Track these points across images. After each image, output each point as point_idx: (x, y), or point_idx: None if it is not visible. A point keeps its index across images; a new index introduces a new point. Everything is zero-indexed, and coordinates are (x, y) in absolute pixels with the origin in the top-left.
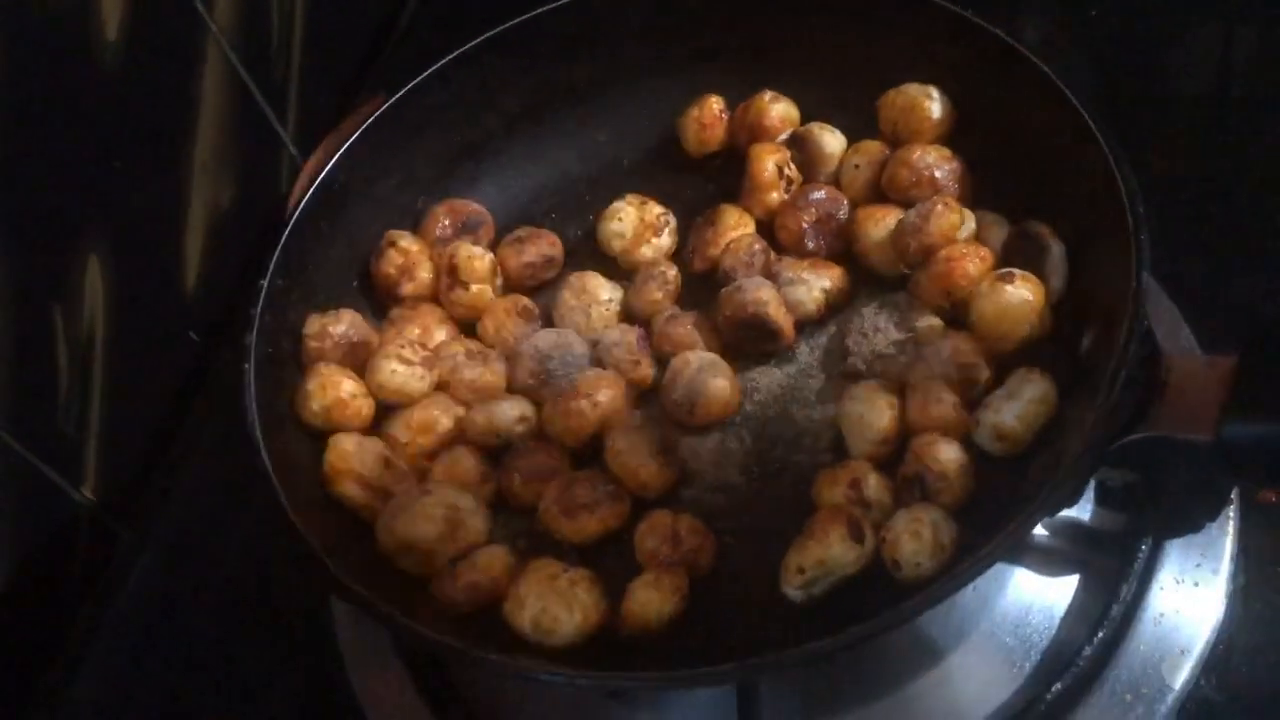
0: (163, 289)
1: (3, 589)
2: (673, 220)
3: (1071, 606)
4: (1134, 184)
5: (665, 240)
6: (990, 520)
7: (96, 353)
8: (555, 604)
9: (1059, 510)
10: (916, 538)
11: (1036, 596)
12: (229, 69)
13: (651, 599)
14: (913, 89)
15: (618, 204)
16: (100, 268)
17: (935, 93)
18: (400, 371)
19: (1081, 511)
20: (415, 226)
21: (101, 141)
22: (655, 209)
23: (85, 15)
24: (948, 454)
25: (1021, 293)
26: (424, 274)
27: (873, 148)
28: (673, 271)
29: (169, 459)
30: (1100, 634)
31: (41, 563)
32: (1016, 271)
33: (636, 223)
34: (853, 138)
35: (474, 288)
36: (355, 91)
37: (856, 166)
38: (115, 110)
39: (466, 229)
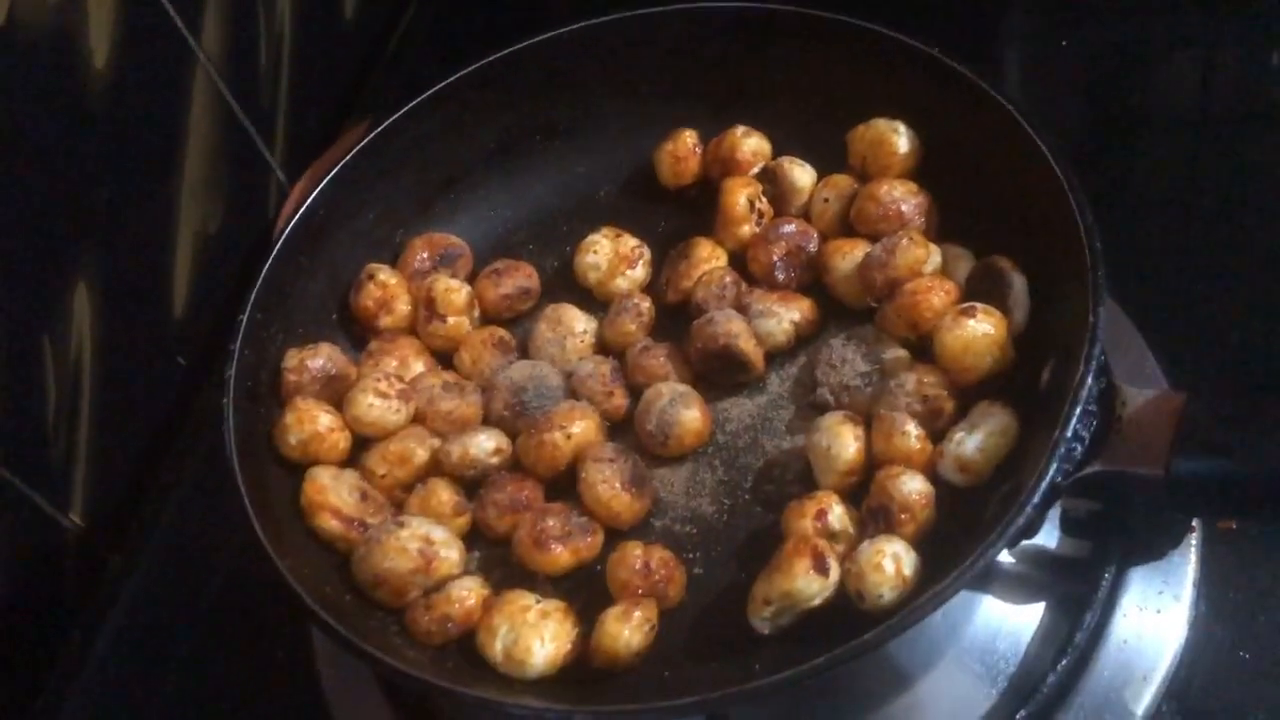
0: (151, 314)
1: None
2: (647, 253)
3: (1037, 632)
4: (1091, 220)
5: (639, 272)
6: (953, 551)
7: (84, 379)
8: (527, 635)
9: (1017, 543)
10: (879, 570)
11: (1003, 622)
12: (217, 96)
13: (621, 631)
14: (881, 124)
15: (593, 236)
16: (89, 294)
17: (903, 128)
18: (377, 405)
19: (1047, 538)
20: (394, 259)
21: (90, 168)
22: (630, 242)
23: (73, 44)
24: (911, 486)
25: (984, 326)
26: (402, 306)
27: (842, 182)
28: (646, 304)
29: (156, 484)
30: (1065, 660)
31: (30, 589)
32: (979, 306)
33: (611, 255)
34: (823, 172)
35: (451, 320)
36: (343, 118)
37: (826, 200)
38: (103, 137)
39: (444, 261)
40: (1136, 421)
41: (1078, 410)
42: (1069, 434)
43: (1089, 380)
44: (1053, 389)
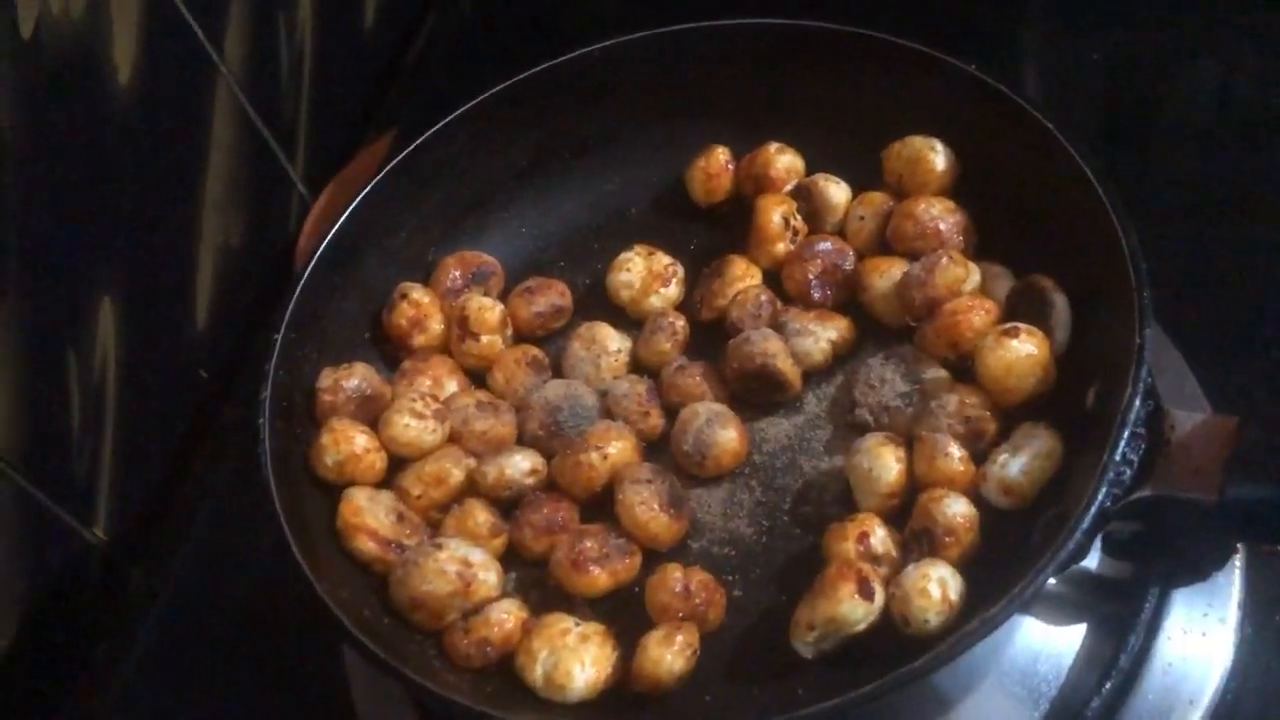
0: (174, 329)
1: (17, 630)
2: (680, 270)
3: (1079, 655)
4: (1135, 241)
5: (673, 290)
6: (998, 575)
7: (108, 393)
8: (567, 659)
9: (1066, 568)
10: (925, 595)
11: (1044, 645)
12: (239, 109)
13: (663, 656)
14: (917, 141)
15: (626, 254)
16: (112, 309)
17: (939, 145)
18: (413, 425)
19: (1089, 560)
20: (426, 278)
21: (114, 183)
22: (663, 259)
23: (98, 59)
24: (955, 508)
25: (1027, 347)
26: (435, 325)
27: (877, 199)
28: (681, 322)
29: (180, 499)
30: (1109, 684)
31: (55, 604)
32: (1021, 325)
33: (644, 273)
34: (857, 189)
35: (484, 338)
36: (363, 131)
37: (861, 218)
38: (128, 152)
39: (477, 279)
40: (1186, 445)
41: (1125, 434)
42: (1117, 457)
43: (1136, 403)
44: (1098, 411)
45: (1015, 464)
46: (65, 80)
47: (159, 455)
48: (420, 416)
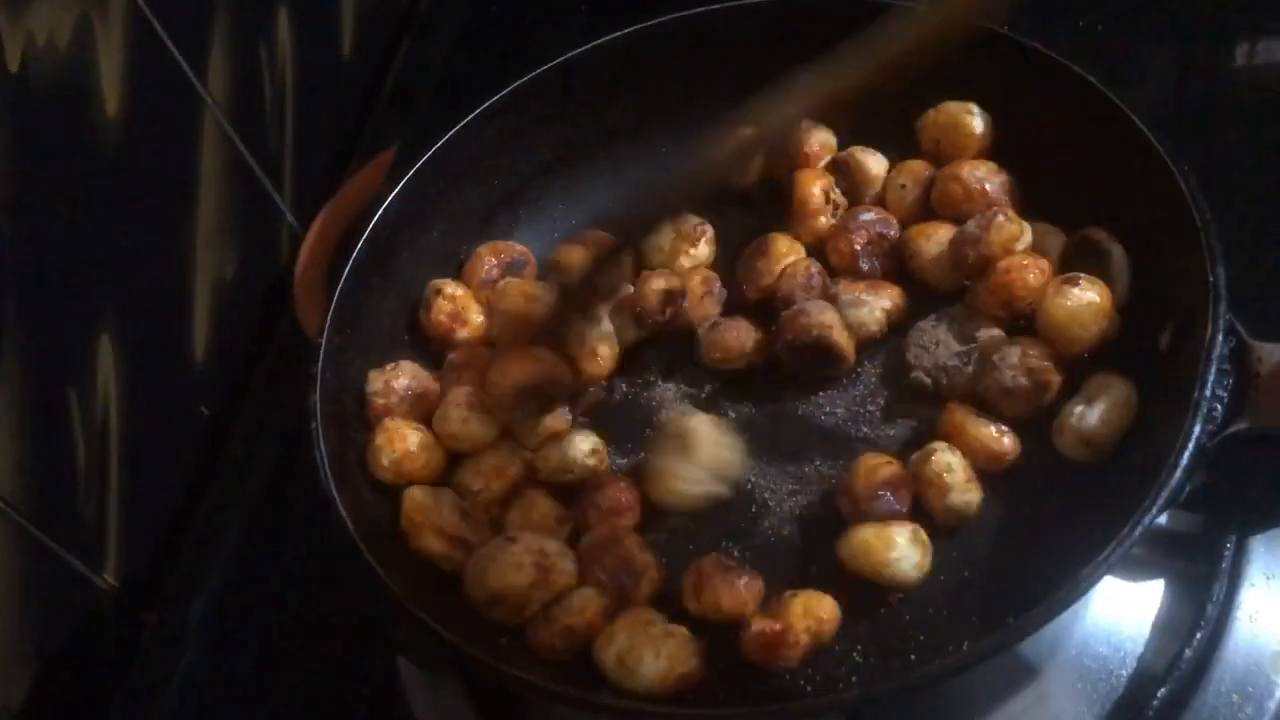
0: (174, 365)
1: (30, 684)
2: (709, 230)
3: (1161, 612)
4: (1195, 182)
5: (703, 250)
6: (1089, 529)
7: (112, 433)
8: (643, 645)
9: (1168, 508)
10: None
11: (1124, 605)
12: (226, 140)
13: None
14: (952, 106)
15: None
16: (111, 346)
17: (975, 108)
18: (471, 418)
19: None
20: (459, 273)
21: (107, 217)
22: (691, 220)
23: (86, 91)
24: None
25: (1089, 295)
26: (475, 317)
27: (917, 167)
28: (717, 282)
29: (189, 539)
30: (1198, 636)
31: (68, 654)
32: (1082, 275)
33: (673, 234)
34: (891, 161)
35: None
36: (348, 158)
37: (903, 186)
38: (119, 186)
39: (511, 269)
40: (1276, 377)
41: (1213, 369)
42: (1208, 393)
43: (1220, 339)
44: (1176, 354)
45: (1093, 414)
46: (54, 113)
47: (166, 495)
48: (474, 408)
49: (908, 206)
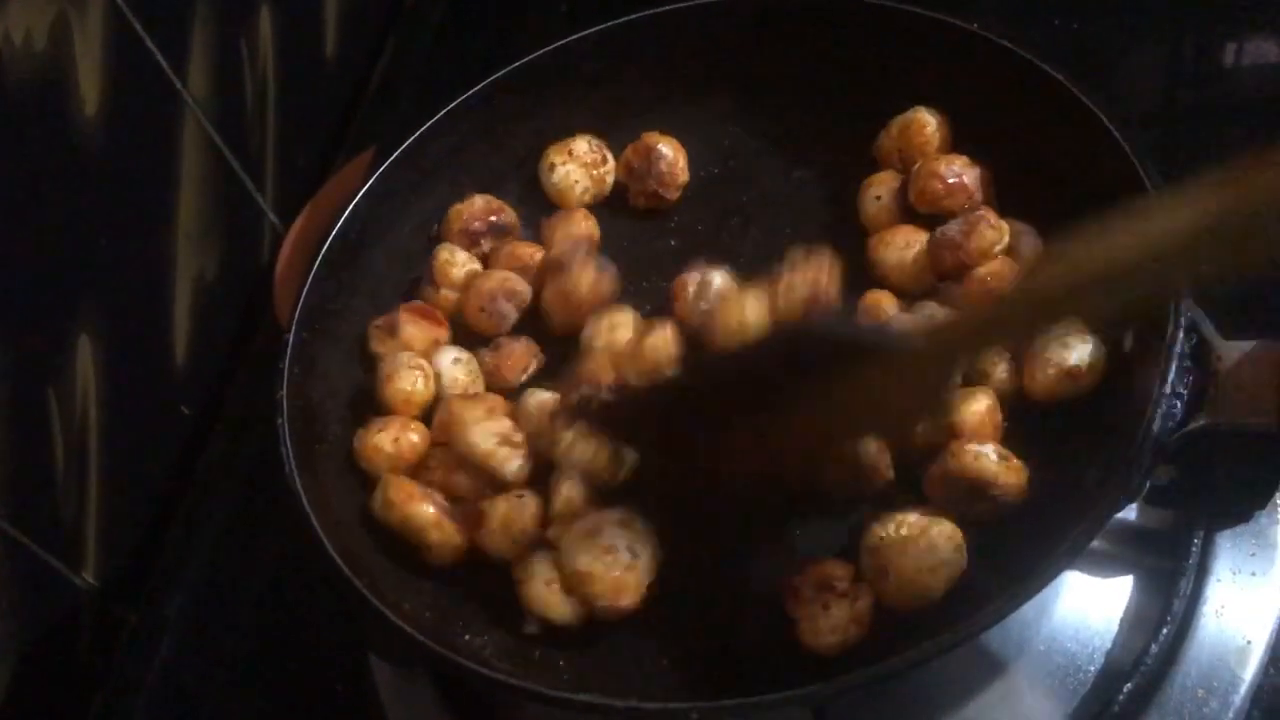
0: (153, 364)
1: (10, 681)
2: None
3: (1129, 607)
4: (1159, 181)
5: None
6: (1049, 528)
7: (91, 432)
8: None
9: (1124, 506)
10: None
11: (1092, 600)
12: (206, 140)
13: None
14: (901, 117)
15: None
16: (91, 346)
17: (923, 109)
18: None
19: (1127, 512)
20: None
21: (87, 216)
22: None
23: (64, 90)
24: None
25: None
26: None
27: (885, 176)
28: None
29: (169, 539)
30: (1164, 631)
31: (47, 654)
32: None
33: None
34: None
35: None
36: (330, 159)
37: (878, 198)
38: (99, 185)
39: (495, 231)
40: (1235, 375)
41: (1174, 365)
42: (1168, 390)
43: (1180, 335)
44: (1139, 353)
45: (1073, 354)
46: (31, 112)
47: (145, 495)
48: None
49: (887, 217)
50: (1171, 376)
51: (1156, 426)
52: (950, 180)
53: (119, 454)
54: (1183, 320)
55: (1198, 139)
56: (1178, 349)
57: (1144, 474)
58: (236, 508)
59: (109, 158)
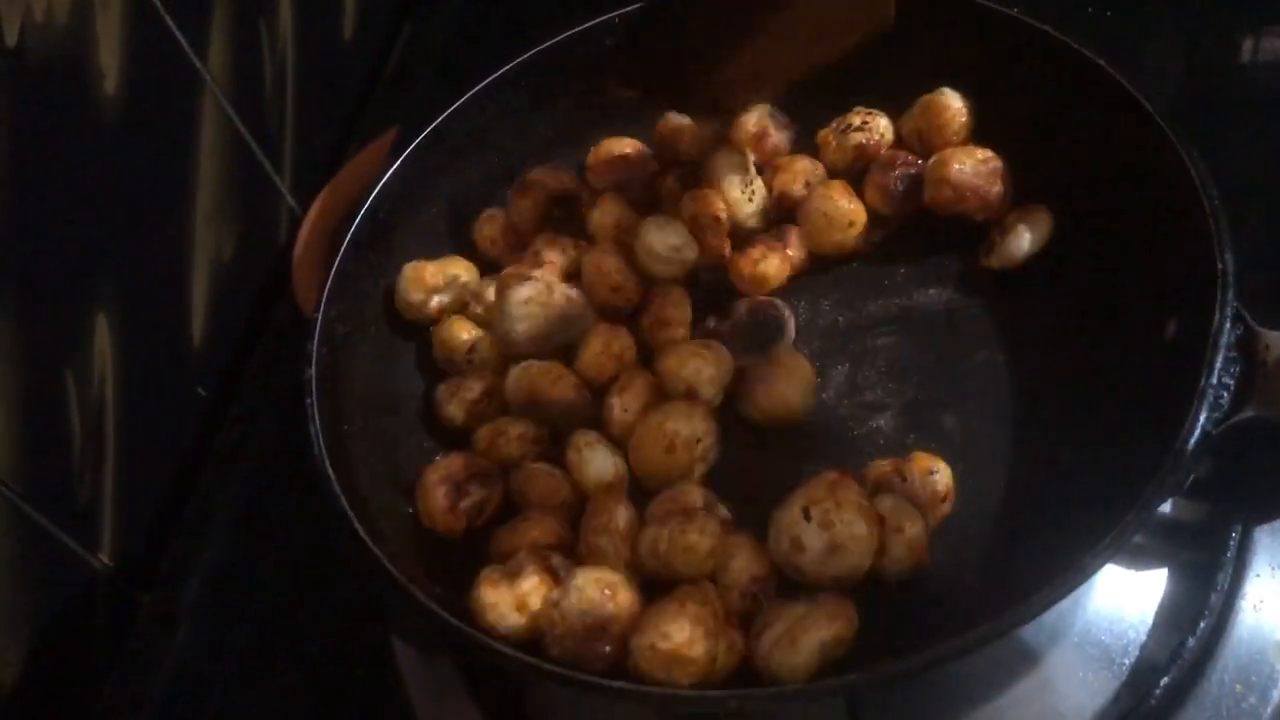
0: (170, 345)
1: (23, 664)
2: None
3: (1164, 600)
4: (1205, 169)
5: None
6: (1091, 520)
7: (108, 413)
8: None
9: (1169, 497)
10: None
11: (1128, 593)
12: (225, 120)
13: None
14: (926, 97)
15: None
16: (108, 326)
17: (948, 90)
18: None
19: (1164, 506)
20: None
21: (105, 195)
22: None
23: (84, 66)
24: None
25: None
26: None
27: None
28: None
29: (185, 521)
30: (1202, 625)
31: (62, 634)
32: None
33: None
34: None
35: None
36: (347, 141)
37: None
38: (117, 164)
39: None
40: None
41: (1220, 357)
42: (1214, 380)
43: (1226, 325)
44: (1183, 341)
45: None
46: (52, 89)
47: (162, 477)
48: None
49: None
50: (1218, 366)
51: (1204, 417)
52: (960, 183)
53: (135, 435)
54: (1229, 309)
55: (1213, 133)
56: (1224, 338)
57: (1191, 466)
58: (253, 489)
59: (128, 136)
